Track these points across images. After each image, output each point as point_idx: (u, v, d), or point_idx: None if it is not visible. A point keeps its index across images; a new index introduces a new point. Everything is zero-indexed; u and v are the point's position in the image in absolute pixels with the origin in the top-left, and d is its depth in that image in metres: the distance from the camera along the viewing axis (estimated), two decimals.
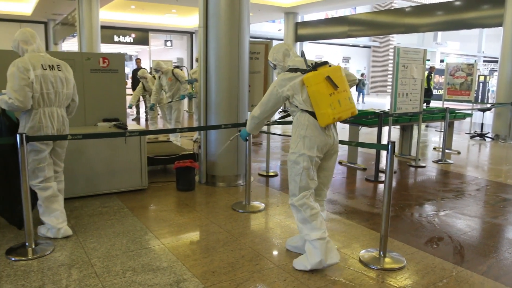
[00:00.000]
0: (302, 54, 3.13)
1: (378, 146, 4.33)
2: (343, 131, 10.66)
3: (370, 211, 4.47)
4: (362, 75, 25.35)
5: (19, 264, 3.10)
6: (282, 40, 18.30)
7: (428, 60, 31.83)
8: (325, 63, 3.02)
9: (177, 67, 8.37)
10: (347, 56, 31.83)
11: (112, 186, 4.74)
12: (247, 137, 3.78)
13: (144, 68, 12.11)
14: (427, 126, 12.08)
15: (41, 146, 3.43)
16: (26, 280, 2.86)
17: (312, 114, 2.97)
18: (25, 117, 3.38)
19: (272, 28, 25.06)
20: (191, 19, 21.24)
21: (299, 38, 17.86)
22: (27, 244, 3.29)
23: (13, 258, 3.17)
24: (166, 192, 4.94)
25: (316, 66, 2.98)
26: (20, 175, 3.20)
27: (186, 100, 16.25)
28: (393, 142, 3.14)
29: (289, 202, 3.13)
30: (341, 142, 3.38)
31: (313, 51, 28.96)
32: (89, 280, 2.87)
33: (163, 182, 5.36)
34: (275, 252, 3.39)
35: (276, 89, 3.06)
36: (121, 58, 5.08)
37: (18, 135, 3.14)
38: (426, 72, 13.11)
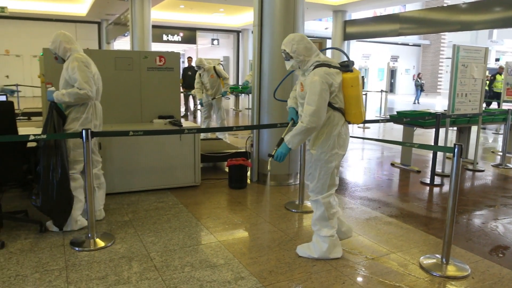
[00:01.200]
0: (342, 51, 3.24)
1: (443, 149, 4.14)
2: (394, 132, 10.40)
3: (428, 215, 4.31)
4: (418, 75, 24.19)
5: (83, 254, 3.22)
6: (329, 38, 18.08)
7: (498, 59, 30.36)
8: (353, 63, 3.09)
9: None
10: (395, 55, 31.03)
11: (166, 182, 4.84)
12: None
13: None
14: (484, 128, 11.55)
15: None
16: (90, 270, 2.96)
17: (342, 112, 3.04)
18: (79, 109, 3.53)
19: (318, 26, 24.81)
20: (238, 18, 21.39)
21: (347, 37, 17.58)
22: (89, 235, 3.41)
23: (77, 249, 3.30)
24: (218, 189, 4.99)
25: (352, 65, 3.04)
26: (62, 171, 3.35)
27: (232, 98, 16.39)
28: (461, 145, 3.00)
29: (313, 198, 3.18)
30: (401, 143, 3.28)
31: (360, 49, 28.43)
32: (149, 273, 2.93)
33: (215, 179, 5.42)
34: None
35: (325, 83, 2.90)
36: (177, 56, 5.17)
37: (84, 131, 3.26)
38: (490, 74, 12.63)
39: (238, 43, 25.02)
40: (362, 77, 21.77)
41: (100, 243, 3.37)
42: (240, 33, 24.47)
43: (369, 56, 30.28)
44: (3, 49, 19.65)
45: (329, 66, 2.97)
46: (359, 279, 2.93)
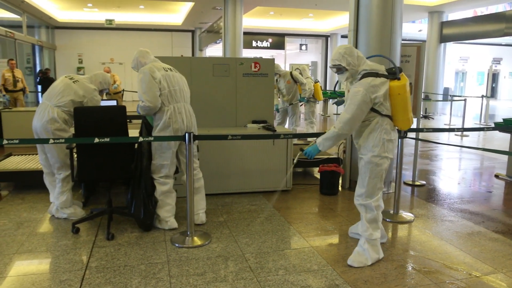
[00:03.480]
0: (388, 58, 3.30)
1: None
2: (496, 141, 9.57)
3: None
4: None
5: (182, 251, 3.40)
6: (424, 41, 17.22)
7: None
8: (401, 70, 3.09)
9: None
10: (497, 57, 28.62)
11: (259, 185, 4.94)
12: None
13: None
14: None
15: (168, 144, 3.69)
16: (189, 266, 3.13)
17: (391, 118, 3.12)
18: (158, 115, 3.68)
19: (412, 28, 23.73)
20: (327, 23, 21.23)
21: (443, 39, 16.61)
22: (188, 233, 3.60)
23: (177, 245, 3.50)
24: (309, 195, 4.99)
25: (399, 72, 3.06)
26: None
27: (321, 103, 16.28)
28: None
29: (363, 202, 3.21)
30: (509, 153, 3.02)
31: (457, 52, 26.70)
32: (244, 273, 3.02)
33: (306, 184, 5.42)
34: (430, 269, 3.17)
35: (368, 96, 3.00)
36: (271, 63, 5.28)
37: (186, 134, 3.46)
38: None
39: (327, 48, 24.79)
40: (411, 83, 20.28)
41: (198, 242, 3.54)
42: (329, 38, 24.23)
43: (467, 59, 28.30)
44: (108, 57, 21.47)
45: (377, 74, 3.05)
46: None
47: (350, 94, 3.06)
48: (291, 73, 8.04)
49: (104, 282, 2.86)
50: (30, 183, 5.22)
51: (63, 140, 3.46)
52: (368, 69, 3.08)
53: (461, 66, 28.25)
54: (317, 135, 6.25)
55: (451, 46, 23.93)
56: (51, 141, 3.42)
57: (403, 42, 5.11)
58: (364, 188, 3.21)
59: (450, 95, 15.14)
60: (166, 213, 3.85)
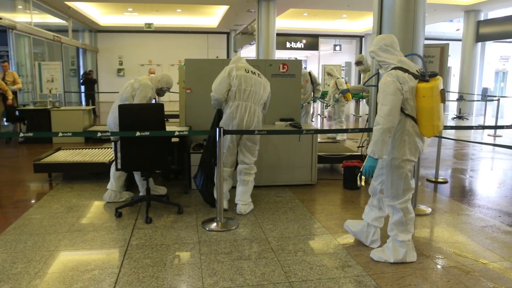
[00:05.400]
0: (422, 58, 3.21)
1: None
2: None
3: None
4: None
5: (212, 233, 3.78)
6: (460, 40, 17.01)
7: None
8: (436, 74, 3.01)
9: None
10: None
11: (285, 179, 5.27)
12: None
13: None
14: None
15: (224, 138, 4.09)
16: (218, 246, 3.50)
17: (415, 120, 3.05)
18: (224, 108, 4.17)
19: (449, 28, 23.36)
20: (361, 23, 21.24)
21: (480, 38, 16.34)
22: (217, 218, 3.97)
23: (207, 228, 3.88)
24: (333, 189, 5.27)
25: (431, 76, 2.99)
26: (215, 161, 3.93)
27: (352, 103, 16.37)
28: None
29: (389, 203, 3.22)
30: None
31: (497, 51, 25.99)
32: (266, 253, 3.36)
33: (330, 179, 5.70)
34: (439, 255, 3.40)
35: (399, 84, 2.95)
36: (299, 64, 5.60)
37: (217, 129, 3.84)
38: None
39: (361, 48, 24.75)
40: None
41: (226, 226, 3.92)
42: (363, 38, 24.19)
43: (508, 58, 27.48)
44: (147, 59, 22.33)
45: (405, 70, 3.01)
46: (466, 280, 2.98)
47: (380, 87, 3.03)
48: (309, 72, 8.30)
49: (143, 257, 3.28)
50: (77, 174, 5.76)
51: (109, 133, 3.91)
52: (398, 65, 3.06)
53: (502, 65, 27.47)
54: (343, 131, 6.55)
55: (490, 45, 23.37)
56: (99, 134, 3.88)
57: (426, 43, 5.30)
58: (389, 190, 3.21)
59: (486, 95, 14.91)
60: (225, 200, 4.28)
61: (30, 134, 3.89)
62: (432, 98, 2.97)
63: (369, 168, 3.06)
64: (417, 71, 3.06)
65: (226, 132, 3.98)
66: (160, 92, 4.64)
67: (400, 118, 3.03)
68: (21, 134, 3.84)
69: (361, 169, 3.16)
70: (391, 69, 3.07)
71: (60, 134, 3.78)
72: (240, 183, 4.35)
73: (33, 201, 4.74)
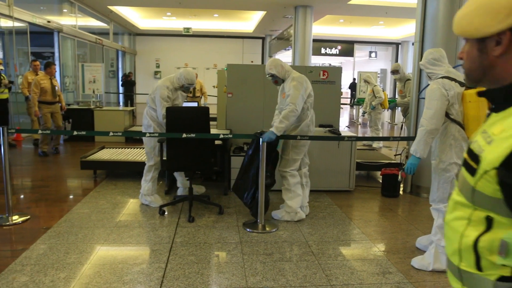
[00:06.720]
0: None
1: None
2: None
3: None
4: None
5: (253, 235, 3.87)
6: None
7: None
8: None
9: None
10: None
11: (323, 184, 5.31)
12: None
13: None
14: None
15: (305, 143, 4.20)
16: (259, 247, 3.59)
17: (461, 125, 3.15)
18: (300, 117, 4.12)
19: None
20: (398, 30, 21.01)
21: None
22: (258, 221, 4.06)
23: (248, 230, 3.97)
24: (371, 196, 5.27)
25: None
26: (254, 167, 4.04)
27: (388, 111, 16.18)
28: None
29: (435, 206, 3.29)
30: None
31: None
32: (307, 256, 3.42)
33: (368, 186, 5.71)
34: None
35: (444, 90, 3.10)
36: (339, 71, 5.64)
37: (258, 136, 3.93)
38: None
39: (397, 55, 24.45)
40: None
41: (267, 228, 4.00)
42: (400, 45, 23.90)
43: None
44: (183, 62, 22.77)
45: (451, 79, 3.16)
46: None
47: (427, 93, 3.18)
48: None
49: (188, 254, 3.40)
50: (120, 172, 5.99)
51: (157, 134, 4.07)
52: (446, 74, 3.21)
53: None
54: (383, 139, 6.52)
55: None
56: (147, 134, 4.04)
57: None
58: (435, 193, 3.28)
59: None
60: (296, 204, 4.23)
61: (83, 133, 4.10)
62: (478, 103, 3.06)
63: (410, 165, 3.22)
64: (464, 79, 3.10)
65: (280, 137, 3.99)
66: (184, 89, 4.63)
67: (445, 123, 3.17)
68: (75, 133, 4.05)
69: (403, 167, 3.32)
70: (439, 78, 3.22)
71: (111, 134, 3.97)
72: (306, 185, 4.42)
73: (80, 196, 4.97)
